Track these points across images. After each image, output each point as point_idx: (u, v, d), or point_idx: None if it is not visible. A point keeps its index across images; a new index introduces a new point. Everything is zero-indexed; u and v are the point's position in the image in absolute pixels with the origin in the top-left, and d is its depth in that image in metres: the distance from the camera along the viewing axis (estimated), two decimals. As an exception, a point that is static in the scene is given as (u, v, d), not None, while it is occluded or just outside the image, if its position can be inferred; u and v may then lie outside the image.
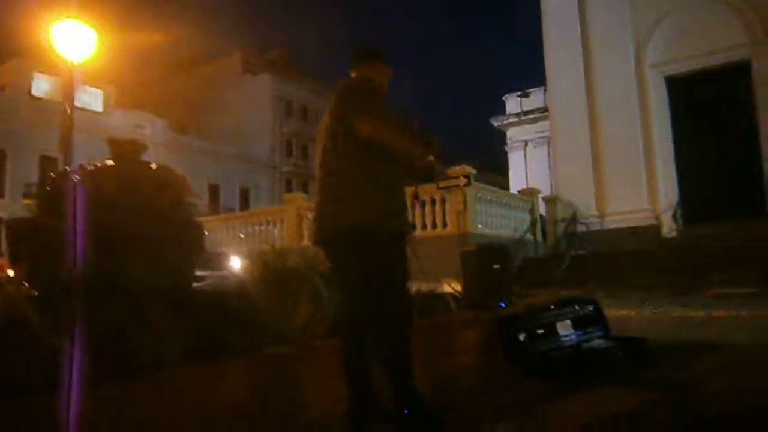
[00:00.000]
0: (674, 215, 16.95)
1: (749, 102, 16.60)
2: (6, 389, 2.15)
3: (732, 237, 13.36)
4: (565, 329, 4.30)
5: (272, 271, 3.61)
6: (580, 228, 17.43)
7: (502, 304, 4.39)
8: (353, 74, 2.98)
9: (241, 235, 16.28)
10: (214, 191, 40.44)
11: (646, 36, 18.32)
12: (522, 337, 4.01)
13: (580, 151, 18.69)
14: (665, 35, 18.01)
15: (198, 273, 4.07)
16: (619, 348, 4.20)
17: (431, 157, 2.85)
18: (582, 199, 18.09)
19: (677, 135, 17.87)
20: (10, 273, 3.55)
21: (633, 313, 7.35)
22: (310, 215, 12.75)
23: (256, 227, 16.55)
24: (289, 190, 41.37)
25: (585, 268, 13.46)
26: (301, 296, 3.45)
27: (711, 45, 16.99)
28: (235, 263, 10.07)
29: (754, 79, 16.51)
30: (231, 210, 35.36)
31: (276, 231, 15.76)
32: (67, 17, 8.16)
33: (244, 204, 41.05)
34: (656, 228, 16.95)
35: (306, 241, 14.05)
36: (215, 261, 9.75)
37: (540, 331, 4.16)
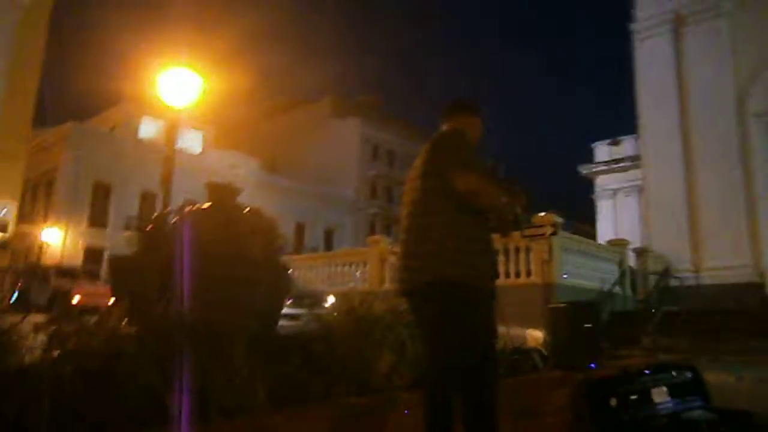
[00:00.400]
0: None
1: None
2: (100, 421, 2.23)
3: None
4: (660, 397, 4.03)
5: (357, 317, 3.61)
6: (673, 282, 16.55)
7: (593, 366, 4.18)
8: (444, 126, 2.98)
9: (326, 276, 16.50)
10: (299, 230, 41.43)
11: (747, 84, 17.53)
12: (613, 402, 3.79)
13: (674, 201, 17.91)
14: (769, 84, 17.16)
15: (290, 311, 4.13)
16: (722, 422, 3.88)
17: (519, 210, 2.81)
18: (675, 251, 17.23)
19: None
20: (111, 302, 3.74)
21: (734, 381, 6.82)
22: (393, 259, 12.83)
23: (339, 268, 16.74)
24: (372, 232, 41.78)
25: (679, 326, 12.70)
26: (385, 345, 3.43)
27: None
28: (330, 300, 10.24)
29: None
30: (315, 249, 36.08)
31: (358, 273, 15.87)
32: (174, 64, 8.72)
33: (328, 244, 41.79)
34: (759, 286, 15.85)
35: (387, 285, 14.06)
36: (310, 297, 9.94)
37: (633, 397, 3.91)
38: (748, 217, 16.79)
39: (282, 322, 3.99)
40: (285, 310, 4.06)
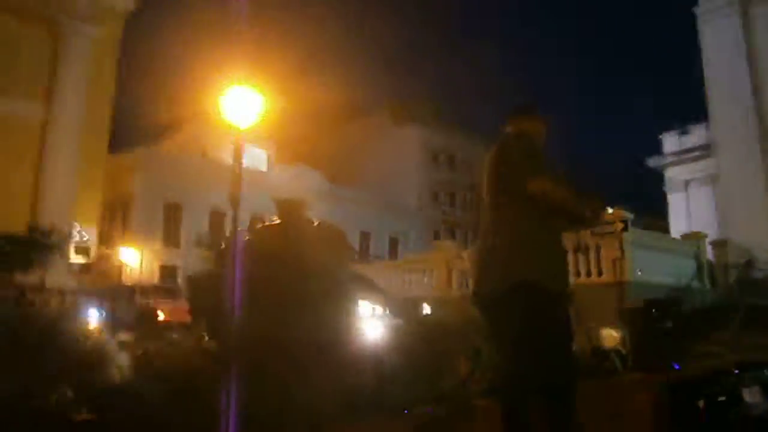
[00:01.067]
0: None
1: None
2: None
3: None
4: (752, 396, 3.82)
5: (429, 326, 3.61)
6: (756, 274, 15.71)
7: (677, 366, 4.02)
8: (509, 129, 2.95)
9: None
10: (364, 239, 41.75)
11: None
12: (701, 404, 3.62)
13: (752, 189, 17.06)
14: None
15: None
16: (821, 420, 3.65)
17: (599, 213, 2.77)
18: (757, 241, 16.38)
19: None
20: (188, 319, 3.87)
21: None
22: (460, 264, 12.69)
23: (406, 275, 16.75)
24: (436, 238, 41.62)
25: (764, 321, 12.06)
26: (459, 353, 3.41)
27: None
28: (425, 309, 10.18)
29: None
30: (380, 258, 36.24)
31: (425, 279, 15.84)
32: (236, 84, 8.95)
33: (393, 252, 41.94)
34: None
35: (455, 290, 13.98)
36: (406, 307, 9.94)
37: (722, 398, 3.73)
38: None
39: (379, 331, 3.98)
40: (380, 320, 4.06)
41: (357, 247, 38.40)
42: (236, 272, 3.31)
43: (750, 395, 3.80)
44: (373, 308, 7.12)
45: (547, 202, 2.63)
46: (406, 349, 3.52)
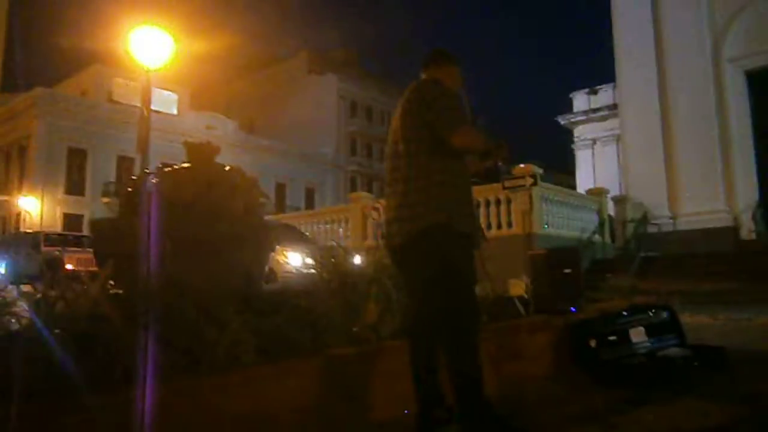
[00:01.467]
0: (753, 216, 16.14)
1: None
2: (90, 382, 2.26)
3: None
4: (638, 336, 4.17)
5: (341, 271, 3.65)
6: (651, 229, 16.84)
7: (573, 310, 4.30)
8: (426, 72, 2.97)
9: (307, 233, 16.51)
10: (280, 190, 41.30)
11: (723, 29, 17.54)
12: (593, 343, 3.91)
13: (651, 149, 18.05)
14: (744, 28, 17.20)
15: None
16: (696, 357, 4.03)
17: (501, 162, 2.86)
18: (653, 198, 17.48)
19: (757, 131, 17.02)
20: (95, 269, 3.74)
21: (709, 320, 7.04)
22: (375, 214, 12.81)
23: (322, 226, 16.78)
24: (353, 189, 41.77)
25: (656, 271, 13.00)
26: (370, 297, 3.49)
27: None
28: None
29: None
30: (297, 209, 36.04)
31: (341, 230, 15.93)
32: (145, 24, 8.50)
33: (309, 203, 41.78)
34: (733, 230, 16.19)
35: (370, 241, 14.15)
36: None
37: (612, 338, 4.04)
38: (723, 162, 17.02)
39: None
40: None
41: (273, 197, 37.95)
42: (143, 217, 3.21)
43: (636, 335, 4.13)
44: (303, 257, 7.08)
45: (465, 152, 2.72)
46: (320, 295, 3.56)
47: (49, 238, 17.39)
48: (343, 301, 3.41)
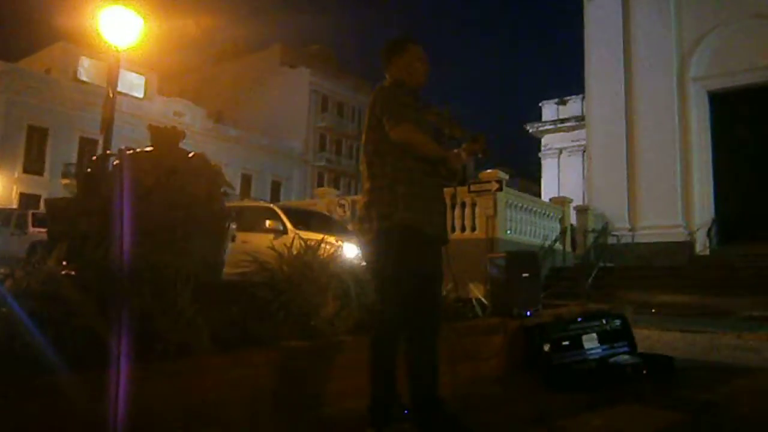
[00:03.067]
0: (708, 233, 16.62)
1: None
2: (37, 363, 2.21)
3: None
4: (590, 342, 4.26)
5: (302, 265, 3.64)
6: (611, 240, 17.18)
7: (529, 313, 4.36)
8: (386, 72, 2.98)
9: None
10: (246, 181, 40.88)
11: (690, 49, 18.02)
12: (547, 347, 3.98)
13: (615, 161, 18.44)
14: (711, 49, 17.70)
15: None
16: (645, 365, 4.14)
17: (480, 155, 2.88)
18: (614, 210, 17.85)
19: (717, 151, 17.53)
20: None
21: (660, 331, 7.22)
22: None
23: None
24: (320, 184, 41.61)
25: (613, 281, 13.27)
26: (329, 292, 3.48)
27: (758, 61, 16.64)
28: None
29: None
30: (262, 200, 35.69)
31: (305, 225, 15.82)
32: (115, 3, 8.32)
33: (275, 196, 41.40)
34: (689, 244, 16.65)
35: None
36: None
37: (565, 343, 4.12)
38: (683, 179, 17.49)
39: None
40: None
41: (238, 188, 37.56)
42: (101, 198, 3.15)
43: (588, 341, 4.22)
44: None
45: (408, 149, 2.73)
46: (278, 287, 3.54)
47: (38, 218, 15.04)
48: (301, 294, 3.39)
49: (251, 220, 9.88)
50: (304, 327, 3.27)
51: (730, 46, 17.21)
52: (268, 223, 9.81)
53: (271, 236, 8.74)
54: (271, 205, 11.59)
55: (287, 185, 44.01)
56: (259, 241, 8.08)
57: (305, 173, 45.47)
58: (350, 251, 5.80)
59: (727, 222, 16.74)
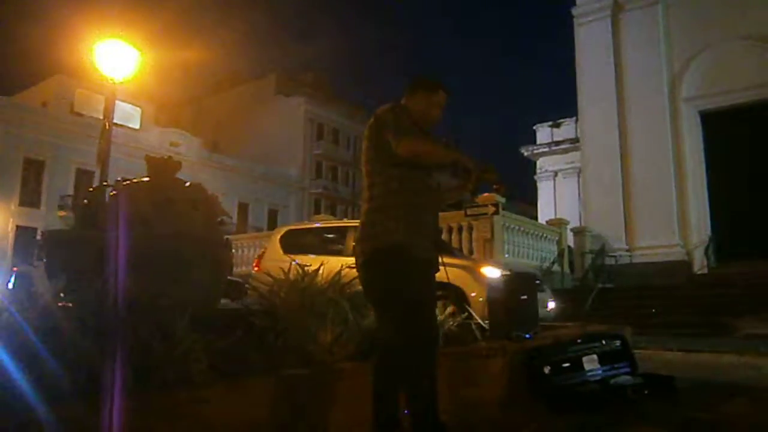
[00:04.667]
0: (706, 251, 16.64)
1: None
2: (36, 397, 2.19)
3: (765, 276, 13.02)
4: (591, 364, 4.23)
5: (299, 291, 3.63)
6: (609, 261, 17.19)
7: (528, 336, 4.34)
8: (406, 99, 3.00)
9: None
10: (243, 210, 40.88)
11: (681, 70, 18.24)
12: (547, 370, 3.96)
13: (610, 183, 18.54)
14: (701, 70, 17.92)
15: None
16: (647, 386, 4.12)
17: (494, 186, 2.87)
18: (611, 231, 17.89)
19: (711, 170, 17.64)
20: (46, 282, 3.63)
21: (661, 351, 7.19)
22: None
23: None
24: (317, 211, 41.60)
25: (612, 302, 13.25)
26: (328, 318, 3.47)
27: (748, 81, 16.85)
28: None
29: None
30: (259, 229, 35.67)
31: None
32: (111, 36, 8.42)
33: (272, 224, 41.31)
34: (687, 264, 16.67)
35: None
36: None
37: (566, 365, 4.10)
38: (678, 198, 17.57)
39: None
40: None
41: (235, 217, 37.54)
42: (98, 230, 3.15)
43: (589, 363, 4.20)
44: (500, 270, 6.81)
45: (417, 160, 2.73)
46: (276, 315, 3.53)
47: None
48: (299, 321, 3.38)
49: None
50: (303, 355, 3.25)
51: (720, 67, 17.44)
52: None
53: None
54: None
55: (284, 213, 43.99)
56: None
57: (302, 200, 45.50)
58: (493, 273, 6.01)
59: (724, 240, 16.78)
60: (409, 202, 2.77)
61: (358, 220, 2.92)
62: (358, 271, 2.90)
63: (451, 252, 8.48)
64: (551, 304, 8.27)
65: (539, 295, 5.53)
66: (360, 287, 2.99)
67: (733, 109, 17.23)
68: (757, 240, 15.68)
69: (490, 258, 12.70)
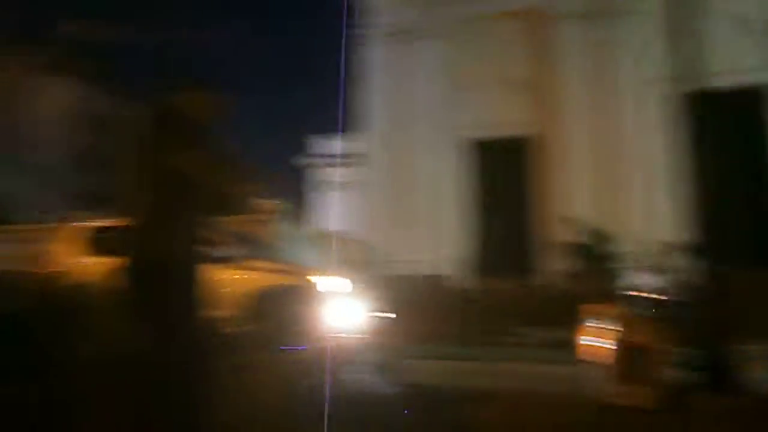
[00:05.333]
0: (461, 266, 18.21)
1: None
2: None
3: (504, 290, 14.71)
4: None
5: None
6: (385, 271, 17.88)
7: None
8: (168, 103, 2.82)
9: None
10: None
11: (454, 102, 19.91)
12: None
13: (382, 197, 19.77)
14: (471, 107, 19.78)
15: None
16: (407, 396, 4.26)
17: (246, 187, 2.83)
18: (376, 242, 18.80)
19: (474, 191, 19.69)
20: None
21: (415, 361, 7.44)
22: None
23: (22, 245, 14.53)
24: (76, 206, 37.56)
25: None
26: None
27: (502, 119, 19.08)
28: None
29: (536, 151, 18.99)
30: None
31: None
32: None
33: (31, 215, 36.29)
34: (443, 278, 18.00)
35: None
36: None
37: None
38: (436, 211, 19.30)
39: None
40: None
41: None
42: None
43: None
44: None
45: (190, 177, 2.60)
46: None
47: None
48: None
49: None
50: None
51: (486, 105, 19.59)
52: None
53: None
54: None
55: (40, 205, 38.97)
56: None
57: (59, 192, 40.71)
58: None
59: (480, 257, 18.73)
60: (175, 207, 2.66)
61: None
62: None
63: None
64: None
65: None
66: None
67: (494, 141, 19.51)
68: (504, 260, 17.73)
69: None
